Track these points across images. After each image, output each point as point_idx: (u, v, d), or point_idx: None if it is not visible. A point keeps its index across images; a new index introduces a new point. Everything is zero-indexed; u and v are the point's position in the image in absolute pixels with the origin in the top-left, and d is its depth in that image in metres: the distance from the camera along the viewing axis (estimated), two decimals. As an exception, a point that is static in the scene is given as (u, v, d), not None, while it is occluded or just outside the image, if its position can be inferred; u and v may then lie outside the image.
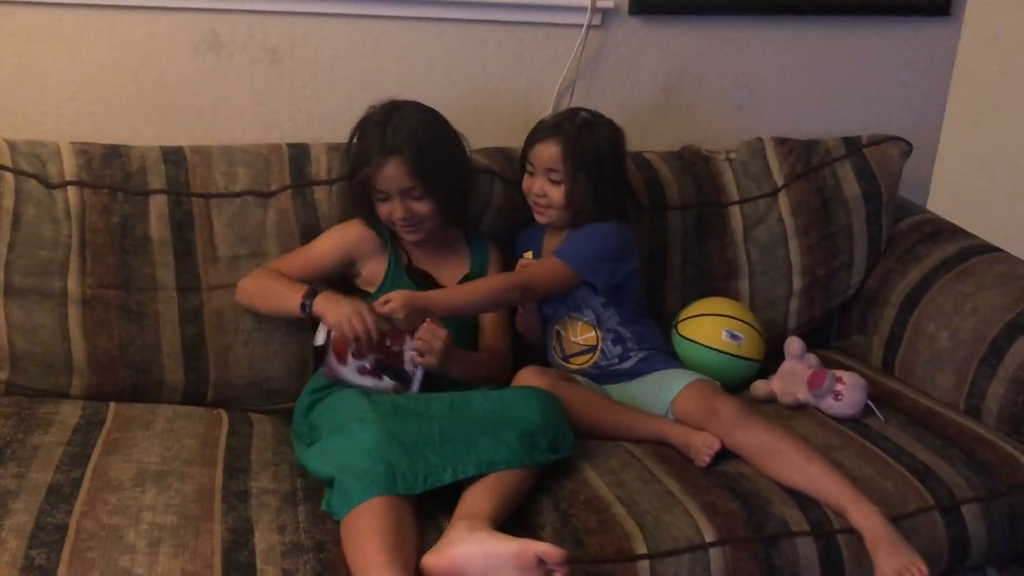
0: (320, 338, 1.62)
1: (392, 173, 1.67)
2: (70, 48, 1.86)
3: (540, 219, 1.82)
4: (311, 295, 1.63)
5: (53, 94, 1.88)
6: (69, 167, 1.71)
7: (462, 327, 1.77)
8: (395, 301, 1.56)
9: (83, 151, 1.74)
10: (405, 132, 1.68)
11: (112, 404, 1.65)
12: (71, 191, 1.69)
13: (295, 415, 1.67)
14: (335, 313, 1.58)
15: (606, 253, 1.77)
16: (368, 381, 1.62)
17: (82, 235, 1.69)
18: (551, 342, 1.86)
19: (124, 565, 1.24)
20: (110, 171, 1.73)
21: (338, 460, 1.40)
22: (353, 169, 1.73)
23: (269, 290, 1.70)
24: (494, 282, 1.75)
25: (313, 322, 1.66)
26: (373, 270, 1.77)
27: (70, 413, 1.59)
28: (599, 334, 1.81)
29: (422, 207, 1.71)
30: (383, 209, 1.72)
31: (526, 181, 1.82)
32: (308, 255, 1.76)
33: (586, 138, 1.76)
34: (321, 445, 1.48)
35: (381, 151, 1.67)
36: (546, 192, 1.77)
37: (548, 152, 1.76)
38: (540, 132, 1.80)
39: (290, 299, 1.65)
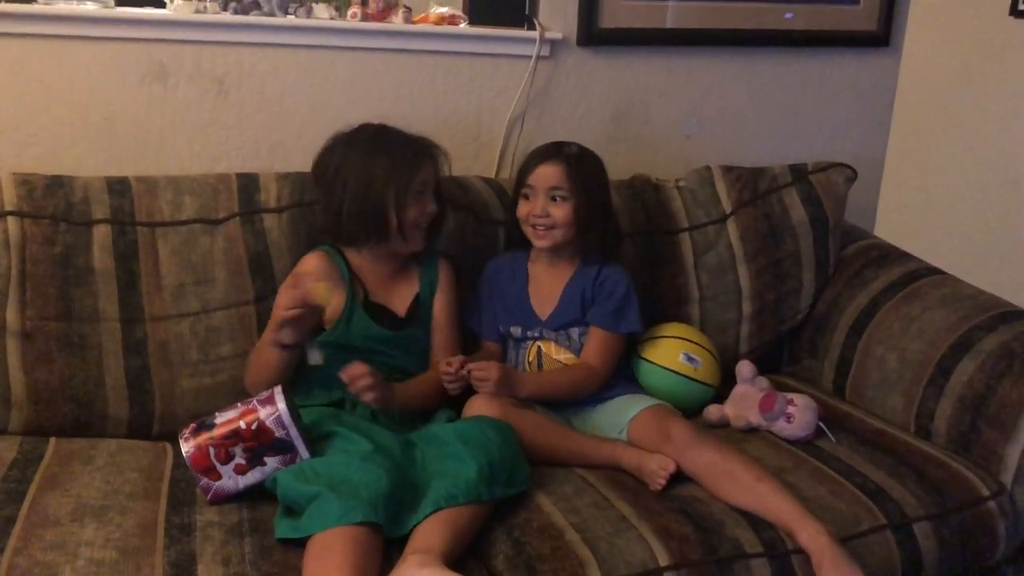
0: (317, 357, 1.60)
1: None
2: (13, 78, 1.83)
3: (540, 243, 1.81)
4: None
5: (-6, 125, 1.85)
6: (9, 197, 1.68)
7: (417, 355, 1.77)
8: (492, 376, 1.63)
9: (24, 181, 1.71)
10: None
11: (52, 439, 1.61)
12: (11, 221, 1.66)
13: None
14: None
15: (634, 299, 1.83)
16: (253, 476, 1.47)
17: (22, 266, 1.65)
18: (527, 358, 1.85)
19: (59, 602, 1.20)
20: (52, 201, 1.70)
21: (327, 480, 1.38)
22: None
23: (254, 363, 1.68)
24: (578, 374, 1.79)
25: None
26: (334, 305, 1.71)
27: (6, 449, 1.55)
28: (575, 359, 1.83)
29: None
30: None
31: (523, 207, 1.82)
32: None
33: (585, 162, 1.81)
34: (306, 464, 1.44)
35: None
36: (549, 212, 1.78)
37: (551, 171, 1.78)
38: (537, 157, 1.81)
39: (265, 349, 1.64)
